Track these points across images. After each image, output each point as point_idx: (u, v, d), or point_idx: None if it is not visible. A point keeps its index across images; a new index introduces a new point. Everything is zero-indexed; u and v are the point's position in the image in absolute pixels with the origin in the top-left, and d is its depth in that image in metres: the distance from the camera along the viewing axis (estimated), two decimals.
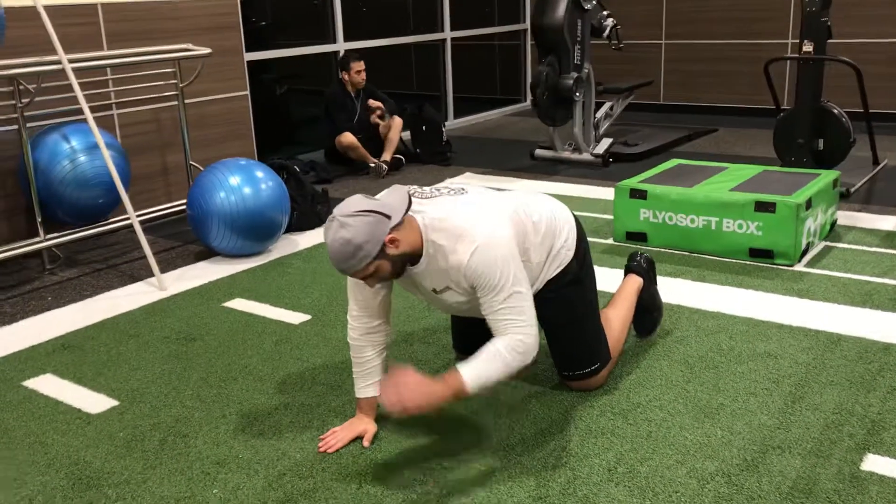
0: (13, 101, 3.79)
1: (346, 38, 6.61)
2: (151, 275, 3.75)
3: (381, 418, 2.42)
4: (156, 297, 3.59)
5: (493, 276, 2.09)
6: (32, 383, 2.80)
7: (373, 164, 5.83)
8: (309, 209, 4.48)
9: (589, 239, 4.11)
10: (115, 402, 2.65)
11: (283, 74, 6.63)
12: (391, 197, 2.12)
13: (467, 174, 5.77)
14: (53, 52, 3.97)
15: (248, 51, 5.35)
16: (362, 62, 5.86)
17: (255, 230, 3.98)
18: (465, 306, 2.29)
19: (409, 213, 2.15)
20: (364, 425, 2.36)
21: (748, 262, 3.69)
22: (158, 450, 2.35)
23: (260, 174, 4.04)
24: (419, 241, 2.14)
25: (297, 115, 6.92)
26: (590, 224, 4.40)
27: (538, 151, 6.17)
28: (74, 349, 3.07)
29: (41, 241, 3.91)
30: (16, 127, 3.87)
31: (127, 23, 4.52)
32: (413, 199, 2.21)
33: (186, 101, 4.80)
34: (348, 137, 5.81)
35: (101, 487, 2.17)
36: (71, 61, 3.74)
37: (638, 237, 3.99)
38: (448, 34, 7.75)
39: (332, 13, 6.50)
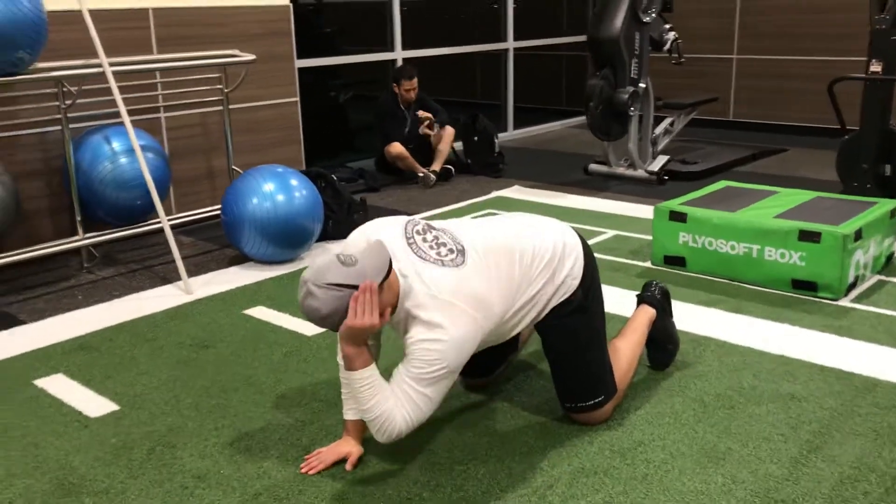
0: (57, 103, 3.89)
1: (406, 47, 6.59)
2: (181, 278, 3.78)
3: (368, 442, 2.35)
4: (181, 300, 3.61)
5: (423, 367, 2.02)
6: (43, 382, 2.84)
7: (421, 175, 5.78)
8: (345, 218, 4.46)
9: (627, 261, 3.97)
10: (115, 407, 2.66)
11: (348, 81, 6.67)
12: (370, 260, 2.02)
13: (516, 187, 5.67)
14: (89, 55, 4.07)
15: (301, 57, 5.38)
16: (415, 80, 5.81)
17: (286, 237, 3.98)
18: None
19: (395, 270, 2.08)
20: (349, 448, 2.30)
21: (790, 294, 3.48)
22: (145, 459, 2.34)
23: (294, 182, 4.04)
24: (396, 301, 2.08)
25: (355, 122, 6.94)
26: (630, 244, 4.24)
27: (592, 166, 6.02)
28: (91, 350, 3.11)
29: (80, 240, 4.00)
30: (59, 127, 3.96)
31: (178, 27, 4.59)
32: (408, 246, 2.14)
33: (236, 105, 4.86)
34: (397, 147, 5.78)
35: (80, 495, 2.17)
36: (113, 65, 3.80)
37: (676, 261, 3.83)
38: (511, 44, 7.65)
39: (391, 21, 6.50)
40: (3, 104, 3.94)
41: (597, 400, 2.42)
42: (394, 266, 2.09)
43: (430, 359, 2.02)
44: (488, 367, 2.67)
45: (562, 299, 2.35)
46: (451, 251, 2.17)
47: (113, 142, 4.08)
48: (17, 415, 2.62)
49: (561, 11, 8.47)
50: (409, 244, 2.15)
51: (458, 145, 6.29)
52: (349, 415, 2.31)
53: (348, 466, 2.26)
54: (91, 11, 4.15)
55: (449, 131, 6.01)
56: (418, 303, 2.06)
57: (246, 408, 2.63)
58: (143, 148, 4.10)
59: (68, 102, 3.85)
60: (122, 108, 3.72)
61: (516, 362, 2.87)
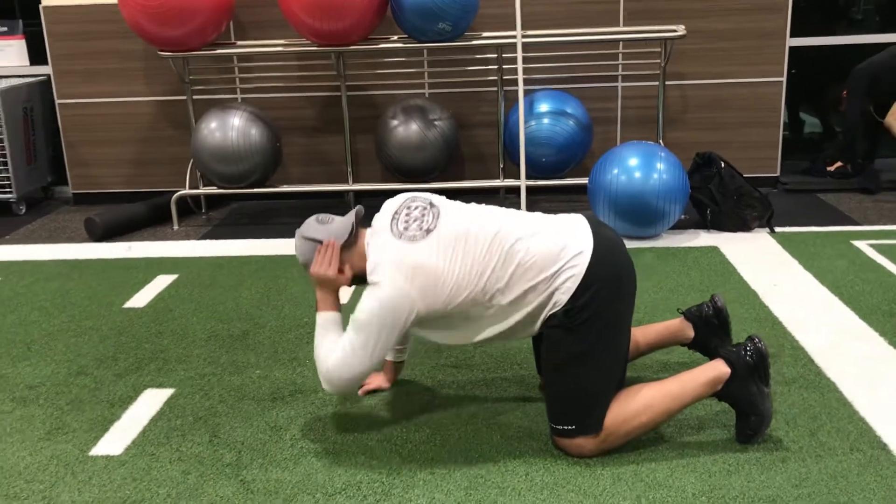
0: (496, 66, 4.67)
1: None
2: None
3: (399, 385, 2.67)
4: None
5: (356, 314, 2.20)
6: None
7: None
8: (731, 210, 4.16)
9: None
10: None
11: None
12: (337, 224, 2.35)
13: None
14: (553, 26, 4.68)
15: (797, 35, 4.92)
16: None
17: (633, 214, 4.02)
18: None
19: (368, 237, 2.32)
20: (373, 378, 2.66)
21: None
22: None
23: (660, 164, 4.01)
24: (364, 265, 2.29)
25: None
26: None
27: None
28: None
29: (500, 181, 4.79)
30: (495, 88, 4.75)
31: (648, 1, 4.79)
32: (392, 218, 2.30)
33: (699, 81, 4.86)
34: None
35: None
36: (526, 37, 4.36)
37: None
38: None
39: None
40: (461, 64, 4.88)
41: (565, 427, 2.22)
42: (368, 235, 2.34)
43: (362, 307, 2.21)
44: None
45: (551, 311, 2.21)
46: (420, 229, 2.27)
47: (540, 105, 4.65)
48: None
49: None
50: (394, 217, 2.32)
51: None
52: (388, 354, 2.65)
53: (360, 391, 2.63)
54: None
55: None
56: (370, 268, 2.25)
57: None
58: (567, 114, 4.58)
59: (503, 67, 4.60)
60: (521, 76, 4.28)
61: None
